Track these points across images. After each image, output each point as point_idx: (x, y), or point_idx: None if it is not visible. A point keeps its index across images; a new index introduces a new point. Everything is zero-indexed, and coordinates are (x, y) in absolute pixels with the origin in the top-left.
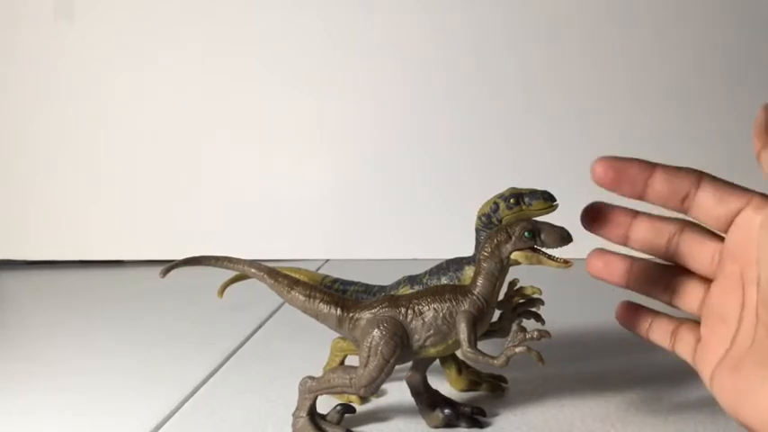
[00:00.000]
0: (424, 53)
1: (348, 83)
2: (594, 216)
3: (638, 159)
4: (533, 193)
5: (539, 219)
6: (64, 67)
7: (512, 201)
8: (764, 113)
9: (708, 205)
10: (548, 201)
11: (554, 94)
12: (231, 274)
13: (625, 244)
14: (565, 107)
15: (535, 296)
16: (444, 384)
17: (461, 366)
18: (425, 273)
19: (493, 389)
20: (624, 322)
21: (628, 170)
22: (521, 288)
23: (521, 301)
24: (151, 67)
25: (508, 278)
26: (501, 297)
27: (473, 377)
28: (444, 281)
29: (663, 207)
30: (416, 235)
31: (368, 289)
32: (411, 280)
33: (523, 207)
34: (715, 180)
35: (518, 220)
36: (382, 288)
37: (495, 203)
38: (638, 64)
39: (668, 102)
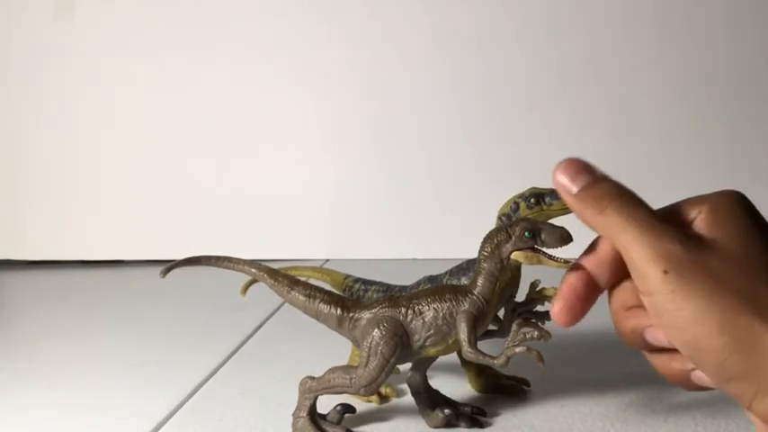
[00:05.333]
0: (424, 53)
1: (349, 83)
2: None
3: (573, 281)
4: (554, 193)
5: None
6: (64, 67)
7: (532, 200)
8: (573, 199)
9: None
10: None
11: (556, 94)
12: (231, 273)
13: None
14: (567, 107)
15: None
16: (459, 384)
17: (482, 368)
18: (446, 273)
19: (515, 391)
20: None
21: (577, 293)
22: (542, 290)
23: (519, 301)
24: (151, 67)
25: (531, 277)
26: (521, 299)
27: (493, 379)
28: (464, 281)
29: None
30: (416, 235)
31: (389, 289)
32: (431, 280)
33: (544, 207)
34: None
35: (518, 219)
36: (403, 288)
37: (516, 203)
38: (641, 63)
39: (671, 102)
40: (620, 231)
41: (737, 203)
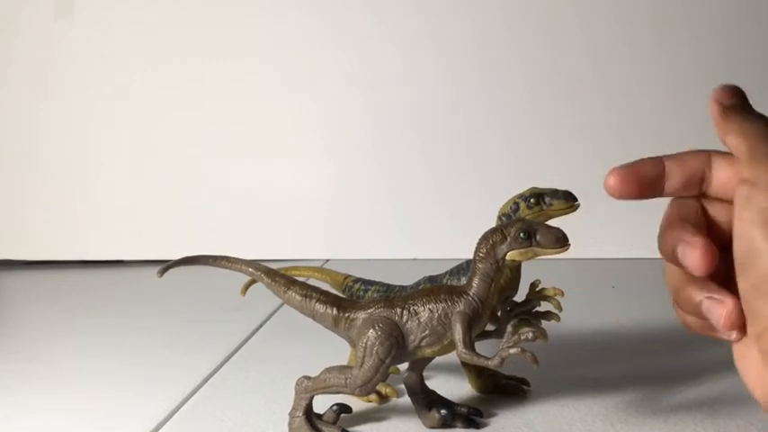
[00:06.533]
0: (425, 53)
1: (348, 82)
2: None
3: (645, 159)
4: (554, 193)
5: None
6: (64, 67)
7: (532, 200)
8: (717, 105)
9: (726, 178)
10: (569, 201)
11: (556, 94)
12: (231, 273)
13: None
14: (567, 108)
15: (557, 297)
16: (458, 384)
17: (482, 368)
18: (446, 273)
19: (515, 391)
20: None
21: (643, 173)
22: (542, 290)
23: (516, 301)
24: (151, 67)
25: (531, 277)
26: (521, 299)
27: (493, 379)
28: (464, 281)
29: (678, 196)
30: (416, 235)
31: (389, 289)
32: (431, 280)
33: (544, 207)
34: (724, 153)
35: (514, 220)
36: (403, 288)
37: (516, 203)
38: (641, 64)
39: (671, 102)
40: (749, 123)
41: None
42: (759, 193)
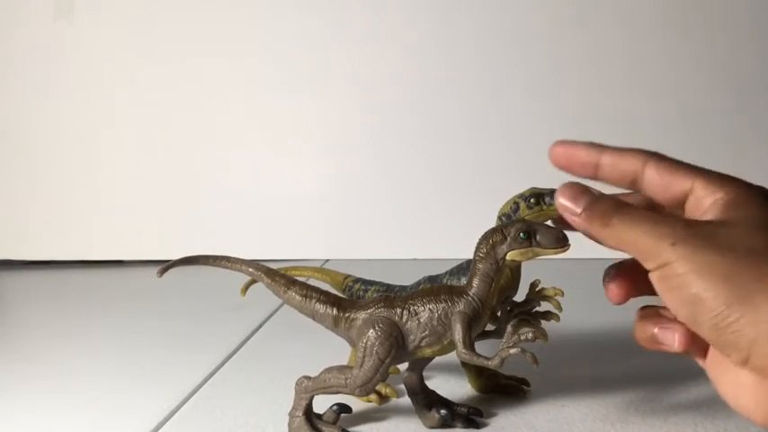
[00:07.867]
0: (425, 53)
1: (348, 82)
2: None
3: (588, 144)
4: (554, 193)
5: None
6: (64, 66)
7: (532, 200)
8: (588, 222)
9: (654, 189)
10: None
11: (556, 94)
12: (230, 273)
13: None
14: (567, 108)
15: (557, 297)
16: (458, 384)
17: (482, 368)
18: (446, 273)
19: (515, 391)
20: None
21: (577, 154)
22: (542, 290)
23: (516, 301)
24: (151, 66)
25: (531, 277)
26: (516, 299)
27: (493, 379)
28: (464, 281)
29: (616, 186)
30: (417, 235)
31: (389, 289)
32: (431, 280)
33: (544, 207)
34: (660, 162)
35: (514, 220)
36: (403, 288)
37: (516, 203)
38: (641, 63)
39: (671, 101)
40: (627, 234)
41: (760, 194)
42: (672, 269)
